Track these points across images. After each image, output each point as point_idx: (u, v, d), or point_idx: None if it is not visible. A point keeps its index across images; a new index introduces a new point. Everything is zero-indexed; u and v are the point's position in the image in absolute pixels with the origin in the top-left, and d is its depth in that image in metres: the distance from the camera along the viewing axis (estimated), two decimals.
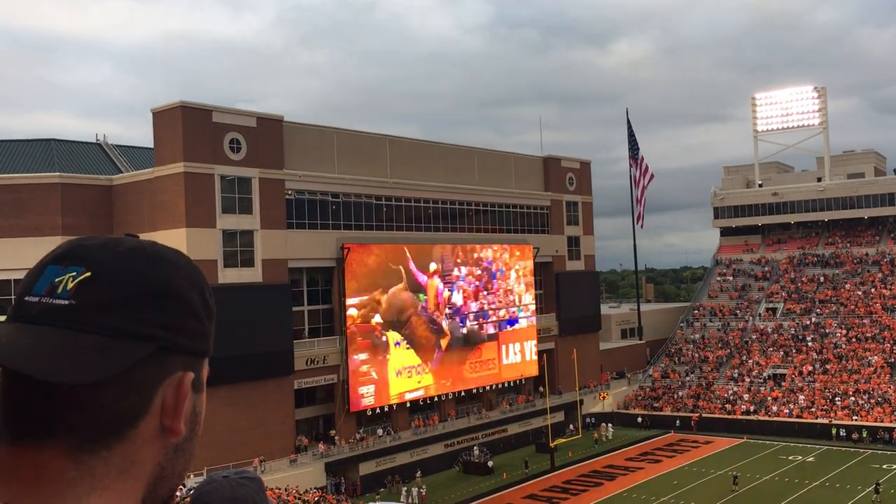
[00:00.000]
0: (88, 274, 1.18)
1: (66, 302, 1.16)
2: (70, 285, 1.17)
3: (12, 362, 1.10)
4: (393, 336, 61.87)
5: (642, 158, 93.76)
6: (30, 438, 1.15)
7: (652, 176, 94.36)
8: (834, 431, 67.10)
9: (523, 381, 74.30)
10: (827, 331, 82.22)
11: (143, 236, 1.32)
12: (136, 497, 1.22)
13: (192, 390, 1.26)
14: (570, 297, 79.68)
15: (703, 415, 73.51)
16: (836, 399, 71.34)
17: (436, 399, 65.99)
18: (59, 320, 1.15)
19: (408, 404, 63.34)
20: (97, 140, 71.01)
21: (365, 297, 59.91)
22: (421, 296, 64.19)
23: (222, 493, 2.00)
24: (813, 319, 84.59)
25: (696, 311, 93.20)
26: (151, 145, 55.24)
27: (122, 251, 1.22)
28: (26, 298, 1.19)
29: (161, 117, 53.35)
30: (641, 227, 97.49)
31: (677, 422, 73.20)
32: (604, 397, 77.69)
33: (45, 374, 1.09)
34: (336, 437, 58.13)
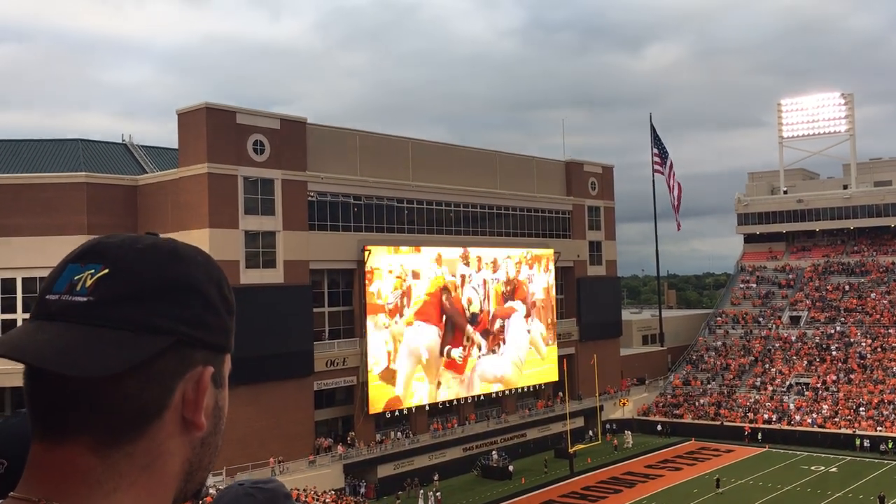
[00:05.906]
0: (107, 271, 1.20)
1: (85, 299, 1.18)
2: (89, 282, 1.19)
3: (29, 357, 1.12)
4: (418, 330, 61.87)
5: (671, 165, 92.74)
6: (55, 435, 1.17)
7: (680, 189, 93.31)
8: (858, 442, 66.23)
9: (542, 386, 74.03)
10: (852, 340, 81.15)
11: (166, 236, 1.34)
12: (167, 492, 1.24)
13: (213, 385, 1.27)
14: (591, 302, 79.27)
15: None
16: (861, 409, 70.39)
17: (455, 402, 65.89)
18: (78, 316, 1.17)
19: (427, 407, 63.31)
20: (123, 140, 71.69)
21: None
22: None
23: None
24: (837, 328, 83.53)
25: (718, 318, 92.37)
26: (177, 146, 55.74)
27: (140, 248, 1.24)
28: (47, 297, 1.21)
29: (186, 118, 53.79)
30: (678, 230, 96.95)
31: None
32: (624, 403, 77.18)
33: (61, 368, 1.10)
34: (355, 439, 58.22)
